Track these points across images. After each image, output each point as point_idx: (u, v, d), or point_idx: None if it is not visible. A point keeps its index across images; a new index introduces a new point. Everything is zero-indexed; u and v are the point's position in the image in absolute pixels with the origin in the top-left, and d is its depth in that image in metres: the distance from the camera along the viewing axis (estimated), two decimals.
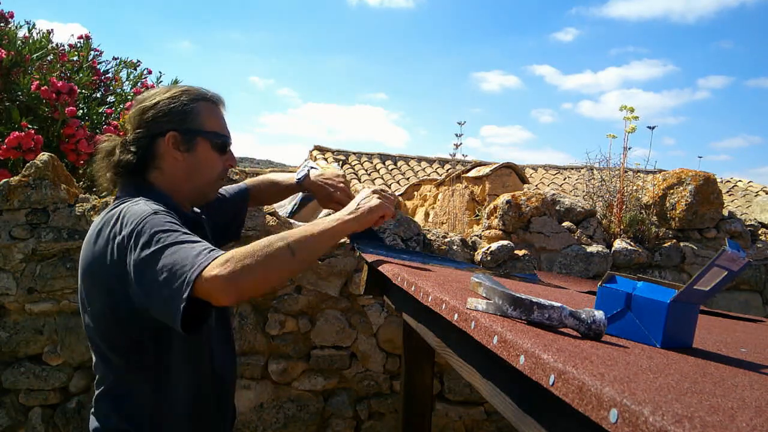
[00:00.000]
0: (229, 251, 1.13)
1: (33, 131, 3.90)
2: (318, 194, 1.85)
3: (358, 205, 1.49)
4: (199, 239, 1.18)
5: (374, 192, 1.52)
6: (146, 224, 1.18)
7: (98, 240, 1.28)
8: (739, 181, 12.92)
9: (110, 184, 1.40)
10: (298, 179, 1.84)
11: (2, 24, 4.88)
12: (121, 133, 1.54)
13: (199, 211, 1.53)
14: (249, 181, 1.91)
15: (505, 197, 3.52)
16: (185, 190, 1.40)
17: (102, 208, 3.10)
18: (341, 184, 1.83)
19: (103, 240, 1.26)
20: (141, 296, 1.18)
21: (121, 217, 1.24)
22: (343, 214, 1.42)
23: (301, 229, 1.26)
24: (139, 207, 1.24)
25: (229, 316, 1.59)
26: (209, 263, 1.08)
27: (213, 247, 1.15)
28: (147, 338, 1.29)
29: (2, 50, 4.23)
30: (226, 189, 1.82)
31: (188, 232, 1.19)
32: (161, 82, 5.75)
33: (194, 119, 1.38)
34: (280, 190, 1.92)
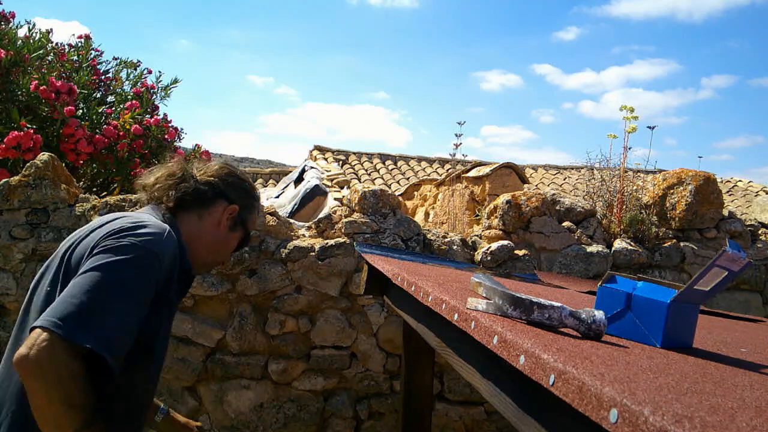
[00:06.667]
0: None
1: (32, 131, 3.90)
2: None
3: None
4: (121, 310, 1.17)
5: None
6: (125, 249, 1.21)
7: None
8: (739, 181, 12.92)
9: (161, 197, 1.46)
10: None
11: (3, 24, 4.87)
12: (178, 153, 1.66)
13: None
14: None
15: (505, 197, 3.52)
16: (201, 250, 1.48)
17: (102, 207, 3.10)
18: None
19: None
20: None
21: (127, 224, 1.28)
22: None
23: None
24: (147, 234, 1.26)
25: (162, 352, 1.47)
26: (64, 336, 1.08)
27: (104, 332, 1.12)
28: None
29: (1, 50, 4.23)
30: None
31: (131, 299, 1.20)
32: (161, 81, 5.75)
33: (250, 215, 1.58)
34: None
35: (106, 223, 1.32)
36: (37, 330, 1.09)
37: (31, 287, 1.35)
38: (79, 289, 1.14)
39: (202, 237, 1.47)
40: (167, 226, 1.33)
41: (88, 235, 1.30)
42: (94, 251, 1.22)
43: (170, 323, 1.45)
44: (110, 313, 1.14)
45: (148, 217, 1.35)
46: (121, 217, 1.34)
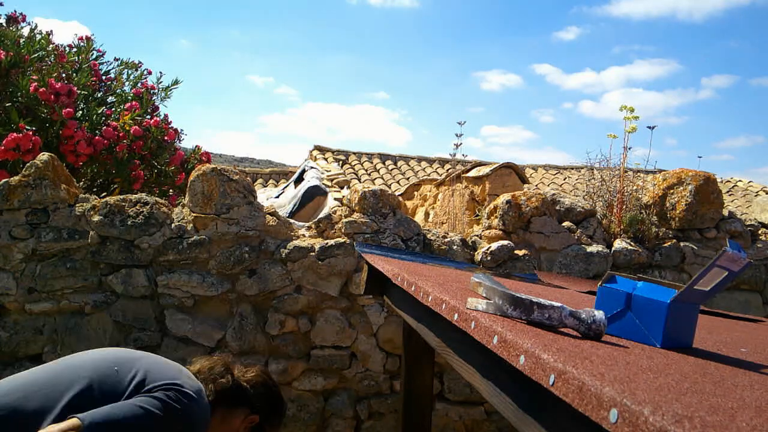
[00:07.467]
0: None
1: (31, 132, 3.90)
2: None
3: None
4: None
5: None
6: (175, 412, 1.29)
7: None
8: (739, 181, 12.90)
9: (205, 390, 1.49)
10: None
11: (13, 26, 4.88)
12: (229, 364, 1.68)
13: None
14: None
15: (505, 197, 3.52)
16: None
17: (102, 207, 3.10)
18: None
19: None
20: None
21: (192, 391, 1.36)
22: None
23: None
24: (197, 412, 1.34)
25: None
26: None
27: None
28: None
29: (1, 51, 4.23)
30: None
31: None
32: (161, 82, 5.75)
33: (270, 429, 1.61)
34: None
35: (181, 372, 1.40)
36: (76, 421, 1.20)
37: (98, 353, 1.43)
38: (127, 415, 1.25)
39: None
40: (209, 415, 1.41)
41: (163, 368, 1.39)
42: (155, 391, 1.32)
43: None
44: None
45: (203, 396, 1.41)
46: (190, 378, 1.42)
